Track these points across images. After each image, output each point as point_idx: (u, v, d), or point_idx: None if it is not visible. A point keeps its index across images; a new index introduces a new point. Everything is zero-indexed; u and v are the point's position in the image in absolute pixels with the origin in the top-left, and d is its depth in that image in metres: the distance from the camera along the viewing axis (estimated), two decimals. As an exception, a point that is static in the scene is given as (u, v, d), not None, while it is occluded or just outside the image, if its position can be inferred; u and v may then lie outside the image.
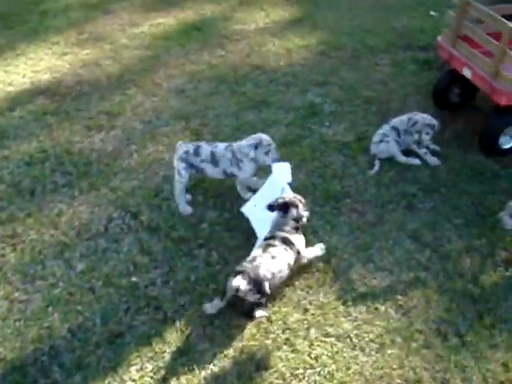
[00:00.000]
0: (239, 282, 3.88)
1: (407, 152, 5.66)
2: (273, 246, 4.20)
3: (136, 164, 5.63)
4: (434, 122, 5.58)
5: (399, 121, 5.64)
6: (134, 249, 4.72)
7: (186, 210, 5.08)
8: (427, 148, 5.63)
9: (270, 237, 4.32)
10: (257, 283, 3.96)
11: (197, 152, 4.91)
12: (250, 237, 4.77)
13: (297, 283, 4.36)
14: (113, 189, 5.34)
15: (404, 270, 4.51)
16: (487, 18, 5.32)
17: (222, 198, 5.19)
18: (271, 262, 4.09)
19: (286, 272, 4.20)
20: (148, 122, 6.20)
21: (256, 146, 4.86)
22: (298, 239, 4.37)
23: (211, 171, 4.99)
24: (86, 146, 5.90)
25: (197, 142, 5.07)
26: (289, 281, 4.32)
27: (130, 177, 5.47)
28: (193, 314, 4.13)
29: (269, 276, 4.04)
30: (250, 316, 4.08)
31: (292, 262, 4.26)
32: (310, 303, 4.23)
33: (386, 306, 4.23)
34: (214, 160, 4.92)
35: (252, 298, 3.96)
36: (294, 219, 4.35)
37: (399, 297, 4.30)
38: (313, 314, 4.15)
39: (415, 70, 7.12)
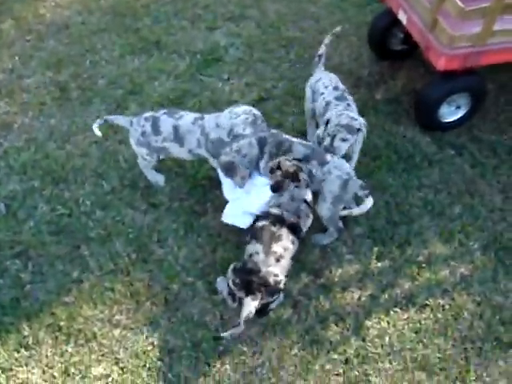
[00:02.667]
0: (251, 308, 2.88)
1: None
2: (278, 238, 3.05)
3: (-22, 130, 4.21)
4: (358, 122, 3.38)
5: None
6: None
7: (159, 179, 3.77)
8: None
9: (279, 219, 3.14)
10: (269, 292, 2.97)
11: (156, 128, 3.48)
12: (80, 244, 3.46)
13: None
14: None
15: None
16: None
17: (64, 183, 3.80)
18: (278, 266, 3.01)
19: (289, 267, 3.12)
20: (10, 70, 4.65)
21: (253, 122, 3.44)
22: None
23: (177, 151, 3.57)
24: None
25: (152, 112, 3.56)
26: None
27: (-35, 147, 4.09)
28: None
29: (280, 278, 3.01)
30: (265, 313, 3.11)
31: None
32: None
33: None
34: (177, 137, 3.49)
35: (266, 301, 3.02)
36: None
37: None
38: None
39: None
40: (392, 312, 3.16)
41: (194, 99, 4.33)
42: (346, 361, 3.00)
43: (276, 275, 2.95)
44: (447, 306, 3.19)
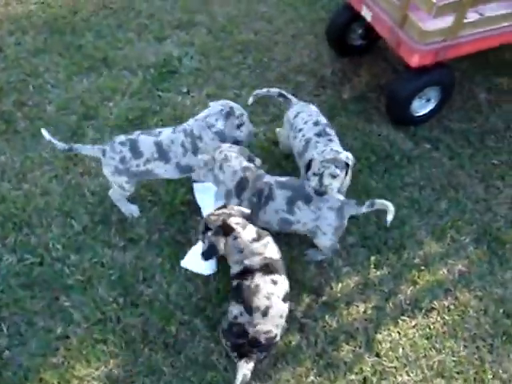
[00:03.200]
0: (245, 371, 2.65)
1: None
2: (256, 289, 2.72)
3: None
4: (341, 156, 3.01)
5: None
6: None
7: (134, 210, 3.45)
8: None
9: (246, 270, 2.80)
10: (262, 350, 2.73)
11: (135, 151, 3.15)
12: (58, 295, 3.10)
13: None
14: None
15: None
16: None
17: (28, 228, 3.39)
18: (267, 320, 2.70)
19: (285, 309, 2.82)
20: None
21: (227, 115, 3.25)
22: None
23: (162, 171, 3.26)
24: None
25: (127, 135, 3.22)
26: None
27: None
28: None
29: (274, 333, 2.72)
30: None
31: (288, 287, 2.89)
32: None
33: None
34: (162, 154, 3.18)
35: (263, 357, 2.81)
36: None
37: None
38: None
39: (312, -6, 5.03)
40: (400, 321, 3.06)
41: (154, 117, 4.00)
42: (364, 380, 2.86)
43: (267, 332, 2.68)
44: (452, 307, 3.13)
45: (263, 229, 2.97)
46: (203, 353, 2.91)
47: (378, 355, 2.94)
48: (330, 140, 3.17)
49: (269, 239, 2.88)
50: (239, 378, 2.58)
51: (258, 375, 2.84)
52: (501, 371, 2.91)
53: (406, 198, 3.58)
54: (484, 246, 3.38)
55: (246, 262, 2.78)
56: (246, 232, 2.83)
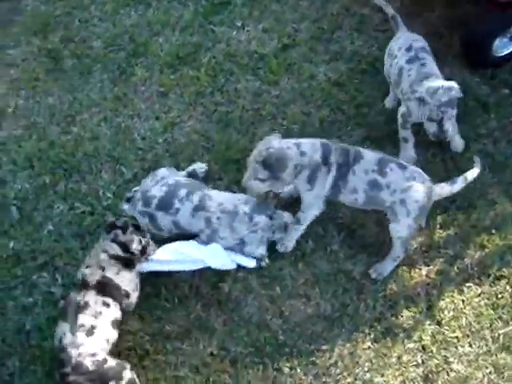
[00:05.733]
0: None
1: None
2: (85, 307, 2.47)
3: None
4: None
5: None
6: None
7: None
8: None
9: (83, 282, 2.56)
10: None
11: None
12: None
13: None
14: None
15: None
16: None
17: (78, 175, 3.25)
18: (90, 341, 2.41)
19: (114, 336, 2.53)
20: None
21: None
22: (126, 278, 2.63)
23: None
24: None
25: None
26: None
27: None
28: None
29: (101, 357, 2.40)
30: None
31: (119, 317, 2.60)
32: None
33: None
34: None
35: None
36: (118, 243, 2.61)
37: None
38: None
39: None
40: (465, 288, 2.79)
41: (207, 54, 3.66)
42: (423, 348, 2.66)
43: (93, 354, 2.38)
44: (523, 275, 2.85)
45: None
46: (257, 312, 2.78)
47: (439, 323, 2.72)
48: (423, 65, 2.92)
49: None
50: None
51: (311, 337, 2.71)
52: None
53: (479, 150, 3.14)
54: None
55: (87, 272, 2.55)
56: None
